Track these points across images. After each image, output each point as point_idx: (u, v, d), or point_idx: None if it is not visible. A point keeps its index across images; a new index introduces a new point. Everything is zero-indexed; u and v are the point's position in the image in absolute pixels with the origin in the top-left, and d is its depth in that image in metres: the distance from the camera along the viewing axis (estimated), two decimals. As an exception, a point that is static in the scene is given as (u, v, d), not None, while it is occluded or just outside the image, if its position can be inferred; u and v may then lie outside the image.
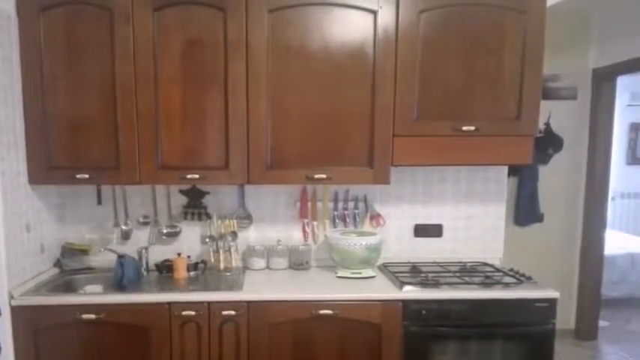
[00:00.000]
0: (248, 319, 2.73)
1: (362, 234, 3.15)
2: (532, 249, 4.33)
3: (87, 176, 2.89)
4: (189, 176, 2.90)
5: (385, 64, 2.84)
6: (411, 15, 2.81)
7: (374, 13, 2.82)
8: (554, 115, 4.25)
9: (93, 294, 2.98)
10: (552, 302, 2.75)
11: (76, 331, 2.73)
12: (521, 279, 2.92)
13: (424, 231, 3.40)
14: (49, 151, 2.88)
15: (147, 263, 3.25)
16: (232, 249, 3.24)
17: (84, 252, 3.28)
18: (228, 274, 3.15)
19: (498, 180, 3.43)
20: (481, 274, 3.03)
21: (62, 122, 2.86)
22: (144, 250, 3.24)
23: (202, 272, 3.20)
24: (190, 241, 3.36)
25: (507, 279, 2.94)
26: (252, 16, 2.79)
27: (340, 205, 3.34)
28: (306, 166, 2.91)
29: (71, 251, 3.25)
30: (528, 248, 4.25)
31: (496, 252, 3.43)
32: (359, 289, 2.86)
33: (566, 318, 4.70)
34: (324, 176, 2.91)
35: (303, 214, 3.34)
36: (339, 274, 3.09)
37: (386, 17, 2.81)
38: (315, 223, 3.36)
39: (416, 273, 3.08)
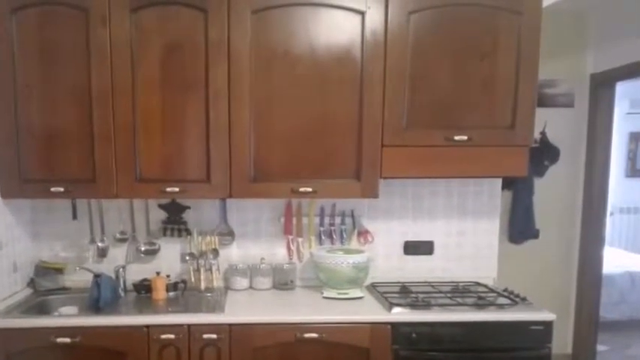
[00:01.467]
0: (230, 343, 2.67)
1: (349, 251, 3.11)
2: (527, 267, 4.26)
3: (62, 189, 2.84)
4: (168, 189, 2.85)
5: (373, 69, 2.79)
6: (401, 16, 2.76)
7: (362, 14, 2.76)
8: (550, 123, 4.19)
9: (68, 316, 2.95)
10: (548, 325, 2.71)
11: (50, 355, 2.67)
12: (515, 300, 2.89)
13: (414, 248, 3.35)
14: (22, 163, 2.83)
15: (124, 283, 3.18)
16: (214, 267, 3.17)
17: (59, 271, 3.22)
18: (209, 294, 3.10)
19: (492, 194, 3.38)
20: (474, 295, 2.99)
21: (36, 132, 2.81)
22: (121, 269, 3.17)
23: (182, 293, 3.14)
24: (170, 259, 3.30)
25: (501, 300, 2.91)
26: (235, 17, 2.73)
27: (326, 220, 3.29)
28: (290, 178, 2.87)
29: (45, 270, 3.19)
30: (523, 267, 4.19)
31: (489, 271, 3.38)
32: (346, 310, 2.82)
33: (562, 342, 4.60)
34: (309, 189, 2.86)
35: (287, 230, 3.29)
36: (325, 295, 3.04)
37: (374, 19, 2.76)
38: (300, 239, 3.30)
39: (406, 293, 3.03)
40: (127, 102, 2.77)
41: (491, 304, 2.85)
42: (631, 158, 7.26)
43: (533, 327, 2.69)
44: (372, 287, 3.15)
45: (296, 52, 2.77)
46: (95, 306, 2.88)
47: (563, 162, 4.35)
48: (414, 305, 2.80)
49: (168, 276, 3.17)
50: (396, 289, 3.12)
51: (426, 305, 2.80)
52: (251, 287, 3.24)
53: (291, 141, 2.84)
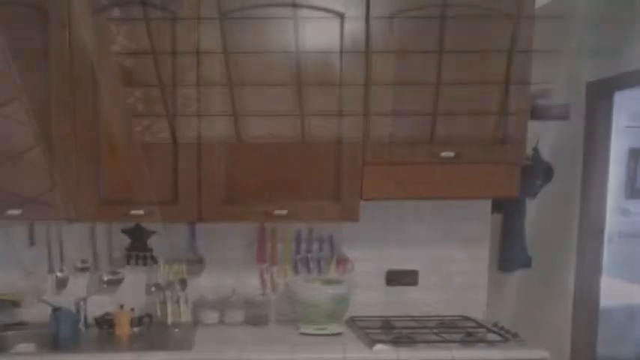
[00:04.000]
0: (198, 384, 2.63)
1: (327, 282, 3.05)
2: (518, 299, 4.16)
3: (19, 212, 2.72)
4: (133, 212, 2.75)
5: (354, 77, 2.70)
6: (384, 19, 2.67)
7: (341, 16, 2.67)
8: (543, 138, 4.07)
9: (25, 354, 2.89)
10: (542, 364, 2.67)
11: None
12: (506, 336, 2.83)
13: (398, 278, 3.26)
14: (-26, 184, 2.74)
15: (85, 317, 3.08)
16: (181, 300, 3.09)
17: (15, 304, 3.12)
18: (176, 330, 3.02)
19: (481, 217, 3.32)
20: (461, 331, 2.92)
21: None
22: (82, 302, 3.08)
23: (148, 328, 3.07)
24: (134, 290, 3.19)
25: (491, 336, 2.85)
26: (205, 19, 2.64)
27: (303, 246, 3.21)
28: (264, 199, 2.79)
29: (0, 303, 3.10)
30: (514, 298, 4.10)
31: (478, 303, 3.31)
32: (324, 348, 2.74)
33: (556, 383, 4.50)
34: (284, 212, 2.78)
35: (260, 257, 3.20)
36: (301, 331, 2.96)
37: (355, 21, 2.67)
38: (274, 268, 3.22)
39: (388, 329, 2.96)
40: (89, 113, 2.68)
41: (481, 340, 2.78)
42: (630, 177, 6.94)
43: (526, 366, 2.66)
44: (352, 322, 3.08)
45: (270, 59, 2.69)
46: (54, 343, 2.81)
47: (557, 181, 4.24)
48: (397, 342, 2.73)
49: (132, 309, 3.07)
50: (378, 323, 3.04)
51: (410, 342, 2.73)
52: (221, 322, 3.14)
53: (265, 158, 2.76)
